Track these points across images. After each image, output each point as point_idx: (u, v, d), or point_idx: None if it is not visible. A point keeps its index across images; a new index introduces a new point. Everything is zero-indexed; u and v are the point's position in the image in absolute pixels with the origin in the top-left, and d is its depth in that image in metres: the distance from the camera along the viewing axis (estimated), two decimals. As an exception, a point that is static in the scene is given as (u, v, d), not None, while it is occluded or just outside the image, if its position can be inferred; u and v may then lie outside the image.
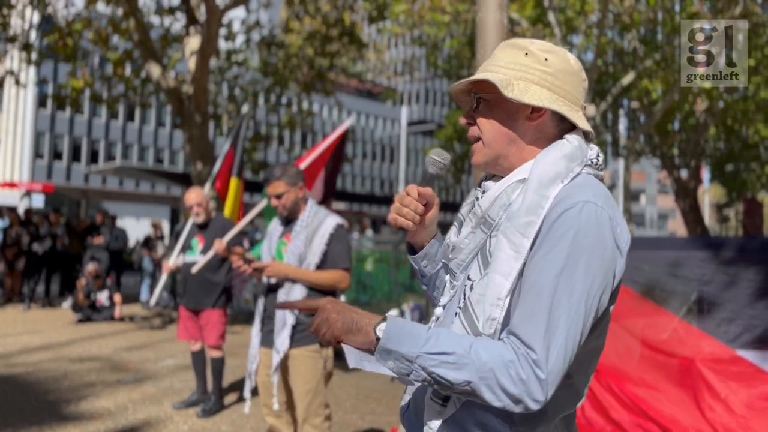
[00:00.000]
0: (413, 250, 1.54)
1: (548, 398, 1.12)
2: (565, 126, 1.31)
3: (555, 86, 1.28)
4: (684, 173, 20.83)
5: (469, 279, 1.29)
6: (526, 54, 1.30)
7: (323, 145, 5.59)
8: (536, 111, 1.28)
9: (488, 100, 1.32)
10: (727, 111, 16.75)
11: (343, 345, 1.24)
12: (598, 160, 1.29)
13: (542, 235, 1.18)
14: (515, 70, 1.29)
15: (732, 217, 35.29)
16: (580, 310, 1.14)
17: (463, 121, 1.38)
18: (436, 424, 1.26)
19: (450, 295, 1.37)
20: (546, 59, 1.29)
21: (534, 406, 1.11)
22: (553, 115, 1.29)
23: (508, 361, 1.11)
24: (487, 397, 1.12)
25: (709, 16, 11.94)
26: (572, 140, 1.27)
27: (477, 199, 1.35)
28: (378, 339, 1.18)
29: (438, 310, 1.40)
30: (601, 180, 1.31)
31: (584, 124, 1.30)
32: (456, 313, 1.29)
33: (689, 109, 17.21)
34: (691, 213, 19.76)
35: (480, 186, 1.38)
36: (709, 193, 51.30)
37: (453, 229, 1.41)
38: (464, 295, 1.28)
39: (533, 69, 1.29)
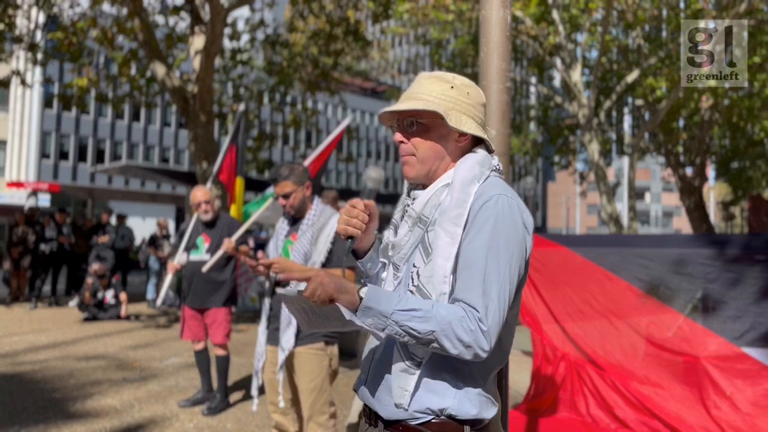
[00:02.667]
0: (357, 255, 1.77)
1: (492, 347, 1.43)
2: (475, 142, 1.65)
3: (475, 115, 1.62)
4: (689, 171, 20.76)
5: (414, 266, 1.57)
6: (452, 87, 1.60)
7: (323, 145, 5.64)
8: (462, 135, 1.61)
9: (424, 124, 1.60)
10: (732, 108, 16.68)
11: (337, 304, 1.48)
12: (499, 167, 1.64)
13: (469, 222, 1.50)
14: (446, 101, 1.59)
15: (737, 214, 35.15)
16: (505, 276, 1.47)
17: (398, 138, 1.62)
18: (411, 384, 1.51)
19: (395, 284, 1.62)
20: (468, 93, 1.62)
21: (482, 354, 1.42)
22: (473, 137, 1.62)
23: (460, 316, 1.42)
24: (446, 344, 1.42)
25: (714, 13, 11.89)
26: (480, 152, 1.62)
27: (407, 205, 1.64)
28: (361, 299, 1.46)
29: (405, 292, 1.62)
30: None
31: (490, 143, 1.65)
32: (410, 293, 1.55)
33: (694, 107, 17.14)
34: (696, 211, 19.69)
35: (409, 195, 1.67)
36: (714, 191, 51.12)
37: (389, 232, 1.71)
38: (412, 280, 1.56)
39: (460, 101, 1.60)
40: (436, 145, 1.60)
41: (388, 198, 20.16)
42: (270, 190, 6.26)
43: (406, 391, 1.52)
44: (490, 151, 1.66)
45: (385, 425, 1.57)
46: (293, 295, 1.60)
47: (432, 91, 1.60)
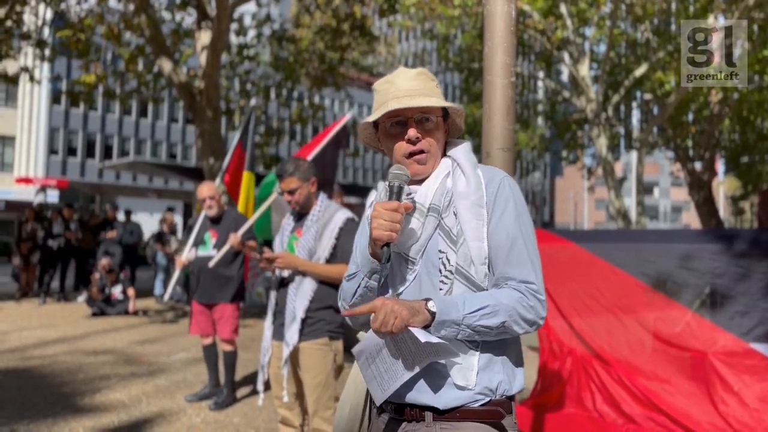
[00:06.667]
0: (377, 257, 1.64)
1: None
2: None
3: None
4: (698, 165, 20.61)
5: (440, 252, 1.58)
6: (437, 85, 1.69)
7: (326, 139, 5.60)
8: (445, 125, 1.70)
9: (432, 120, 1.65)
10: (742, 102, 16.54)
11: (410, 328, 1.44)
12: None
13: (490, 204, 1.59)
14: (439, 96, 1.68)
15: (747, 209, 34.94)
16: (536, 245, 1.61)
17: (415, 134, 1.62)
18: (474, 363, 1.54)
19: (410, 279, 1.61)
20: (436, 85, 1.71)
21: (542, 323, 1.55)
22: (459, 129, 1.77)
23: (519, 297, 1.51)
24: (515, 328, 1.51)
25: (723, 6, 11.79)
26: (463, 140, 1.75)
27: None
28: (433, 314, 1.46)
29: (442, 279, 1.62)
30: None
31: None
32: (441, 281, 1.57)
33: (703, 101, 17.01)
34: (706, 206, 19.57)
35: (399, 193, 1.59)
36: (723, 186, 50.80)
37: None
38: (443, 265, 1.57)
39: (439, 95, 1.69)
40: (440, 140, 1.68)
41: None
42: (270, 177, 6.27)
43: (471, 371, 1.53)
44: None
45: (436, 416, 1.54)
46: (370, 344, 1.55)
47: (427, 88, 1.66)
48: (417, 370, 1.53)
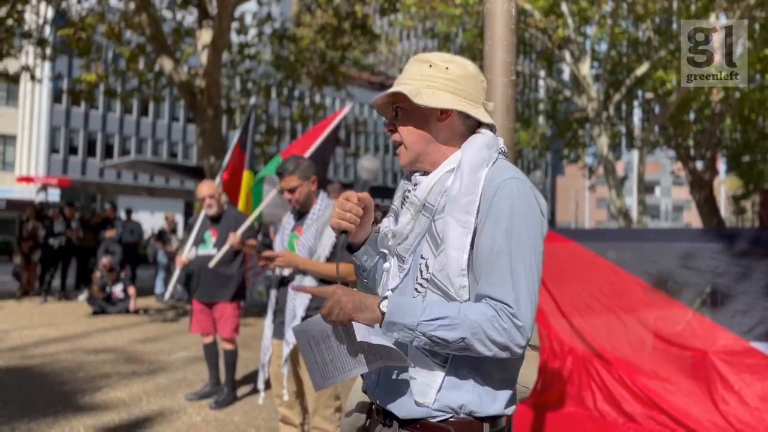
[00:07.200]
0: (352, 249, 1.69)
1: (528, 342, 1.35)
2: (471, 122, 1.54)
3: (457, 89, 1.50)
4: (699, 164, 20.60)
5: (422, 258, 1.48)
6: (430, 65, 1.52)
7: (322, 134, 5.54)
8: (444, 113, 1.50)
9: (405, 108, 1.52)
10: (743, 101, 16.52)
11: (353, 323, 1.39)
12: (504, 149, 1.55)
13: (483, 210, 1.41)
14: (422, 80, 1.50)
15: (749, 208, 34.90)
16: (531, 264, 1.38)
17: (386, 129, 1.58)
18: (437, 381, 1.44)
19: (400, 277, 1.54)
20: (447, 68, 1.51)
21: (518, 350, 1.35)
22: (459, 115, 1.51)
23: (491, 316, 1.34)
24: (480, 349, 1.34)
25: (725, 5, 11.77)
26: (486, 132, 1.52)
27: (408, 191, 1.55)
28: (383, 314, 1.38)
29: (388, 294, 1.53)
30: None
31: (487, 119, 1.53)
32: (416, 288, 1.48)
33: (704, 100, 16.99)
34: (707, 205, 19.56)
35: (409, 180, 1.57)
36: (725, 185, 50.74)
37: (388, 220, 1.62)
38: (420, 272, 1.48)
39: (437, 77, 1.50)
40: (417, 129, 1.52)
41: (394, 192, 20.14)
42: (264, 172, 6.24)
43: (431, 388, 1.44)
44: (494, 131, 1.56)
45: (400, 425, 1.49)
46: (314, 327, 1.46)
47: (410, 73, 1.53)
48: (365, 369, 1.46)
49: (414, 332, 1.36)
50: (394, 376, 1.51)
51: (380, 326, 1.39)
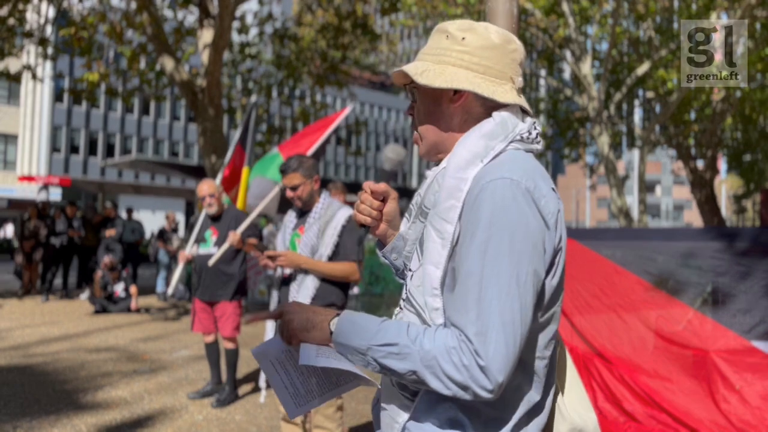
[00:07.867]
0: (381, 244, 1.50)
1: (501, 384, 1.06)
2: (491, 103, 1.26)
3: (473, 64, 1.24)
4: (700, 164, 20.59)
5: (409, 270, 1.29)
6: (447, 37, 1.27)
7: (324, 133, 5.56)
8: (457, 93, 1.25)
9: (418, 90, 1.30)
10: (744, 100, 16.51)
11: (301, 344, 1.22)
12: (530, 134, 1.25)
13: (464, 219, 1.14)
14: (435, 54, 1.27)
15: (749, 207, 34.88)
16: (512, 291, 1.08)
17: (407, 113, 1.37)
18: (403, 418, 1.23)
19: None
20: (463, 38, 1.26)
21: (484, 394, 1.06)
22: (475, 94, 1.24)
23: (450, 347, 1.07)
24: (434, 385, 1.09)
25: (726, 4, 11.76)
26: (495, 117, 1.23)
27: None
28: (331, 333, 1.19)
29: (400, 302, 1.35)
30: (535, 152, 1.27)
31: (507, 98, 1.24)
32: (399, 305, 1.30)
33: (705, 99, 16.99)
34: (708, 204, 19.55)
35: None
36: (726, 184, 50.71)
37: (404, 220, 1.42)
38: (405, 287, 1.28)
39: (451, 51, 1.26)
40: (429, 114, 1.29)
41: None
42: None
43: (396, 423, 1.24)
44: (525, 111, 1.28)
45: None
46: (275, 348, 1.29)
47: (428, 47, 1.31)
48: (340, 391, 1.30)
49: (366, 357, 1.14)
50: (380, 401, 1.34)
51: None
